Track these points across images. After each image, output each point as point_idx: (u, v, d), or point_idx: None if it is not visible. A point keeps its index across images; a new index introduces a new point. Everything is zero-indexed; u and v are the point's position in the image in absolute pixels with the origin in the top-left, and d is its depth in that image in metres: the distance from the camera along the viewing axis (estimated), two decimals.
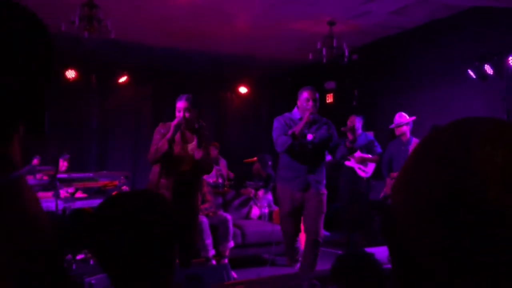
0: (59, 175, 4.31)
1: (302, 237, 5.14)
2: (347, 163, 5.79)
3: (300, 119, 3.66)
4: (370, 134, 6.06)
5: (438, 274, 0.45)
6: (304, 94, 3.66)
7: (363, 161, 5.70)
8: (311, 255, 3.67)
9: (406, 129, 5.03)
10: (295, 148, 3.60)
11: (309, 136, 3.64)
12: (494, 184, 0.41)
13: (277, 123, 3.71)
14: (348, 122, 5.89)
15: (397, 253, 0.51)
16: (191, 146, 3.50)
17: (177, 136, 3.43)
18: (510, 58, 4.56)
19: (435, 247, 0.44)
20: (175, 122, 3.38)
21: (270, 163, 5.76)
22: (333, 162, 4.69)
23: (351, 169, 5.80)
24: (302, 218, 3.77)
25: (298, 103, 3.72)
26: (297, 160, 3.64)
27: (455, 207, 0.42)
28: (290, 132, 3.55)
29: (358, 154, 5.81)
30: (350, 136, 3.65)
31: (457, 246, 0.42)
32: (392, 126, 5.13)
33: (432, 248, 0.45)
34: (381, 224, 0.54)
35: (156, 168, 3.49)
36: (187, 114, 3.43)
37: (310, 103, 3.61)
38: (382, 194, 5.45)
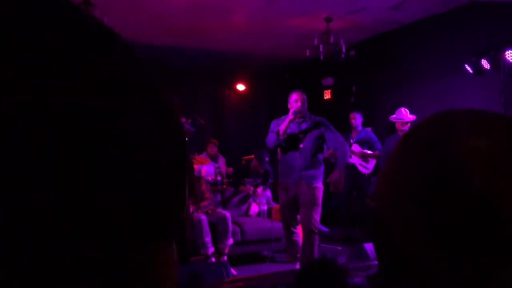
0: None
1: (301, 234, 5.17)
2: (349, 159, 5.81)
3: (300, 119, 3.95)
4: (369, 130, 6.08)
5: (425, 267, 0.44)
6: (293, 96, 3.92)
7: (364, 157, 5.73)
8: (308, 246, 3.87)
9: (407, 125, 5.06)
10: (282, 144, 3.91)
11: (298, 133, 3.91)
12: (480, 173, 0.41)
13: (272, 125, 4.01)
14: (350, 119, 5.92)
15: (383, 248, 0.51)
16: None
17: None
18: (507, 52, 4.57)
19: (421, 239, 0.44)
20: None
21: (267, 159, 5.76)
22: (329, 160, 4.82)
23: (352, 166, 5.81)
24: (300, 214, 3.98)
25: (289, 105, 3.95)
26: (290, 156, 3.92)
27: (441, 196, 0.42)
28: (275, 130, 3.89)
29: (358, 149, 5.83)
30: (326, 154, 4.05)
31: (444, 237, 0.42)
32: (392, 118, 5.14)
33: (418, 240, 0.44)
34: (372, 221, 0.54)
35: None
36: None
37: (298, 104, 3.85)
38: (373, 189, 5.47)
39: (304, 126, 3.93)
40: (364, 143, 5.84)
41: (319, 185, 3.90)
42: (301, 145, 3.88)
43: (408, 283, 0.48)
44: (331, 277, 1.72)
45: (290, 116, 3.79)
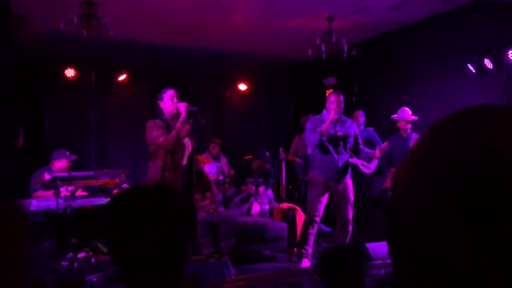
0: (60, 174, 4.31)
1: (299, 222, 5.23)
2: (350, 160, 5.80)
3: (336, 120, 4.28)
4: (371, 130, 6.07)
5: (454, 267, 0.42)
6: (331, 98, 4.27)
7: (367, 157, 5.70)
8: (345, 236, 4.35)
9: (409, 124, 5.06)
10: (325, 143, 4.24)
11: (339, 133, 4.28)
12: None
13: (310, 124, 4.31)
14: (354, 118, 5.91)
15: (401, 245, 0.48)
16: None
17: (171, 127, 3.53)
18: (510, 52, 4.55)
19: (452, 237, 0.41)
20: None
21: (267, 154, 5.76)
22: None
23: (355, 167, 5.80)
24: (335, 207, 4.39)
25: (326, 105, 4.31)
26: (330, 154, 4.27)
27: (477, 190, 0.40)
28: (317, 130, 4.18)
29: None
30: (378, 154, 4.38)
31: (478, 235, 0.40)
32: (395, 116, 5.13)
33: (448, 238, 0.41)
34: (384, 212, 0.51)
35: (157, 163, 3.51)
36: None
37: (335, 104, 4.21)
38: (378, 189, 5.46)
39: (339, 125, 4.32)
40: (366, 143, 5.83)
41: (350, 181, 4.39)
42: (341, 143, 4.29)
43: (431, 283, 0.45)
44: (351, 262, 1.74)
45: (331, 117, 4.14)
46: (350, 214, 4.36)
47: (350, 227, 4.39)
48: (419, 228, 0.45)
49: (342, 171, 4.32)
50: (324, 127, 4.16)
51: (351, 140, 4.41)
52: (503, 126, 0.42)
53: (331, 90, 4.47)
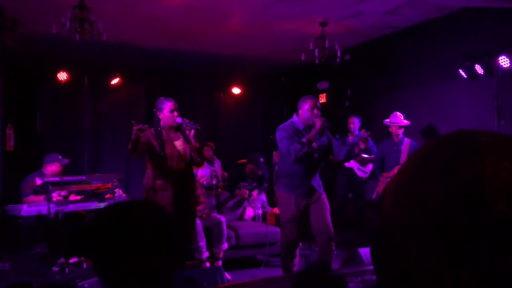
0: (52, 179, 4.28)
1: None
2: (346, 164, 5.82)
3: (309, 127, 3.75)
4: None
5: (436, 285, 0.43)
6: (307, 104, 3.74)
7: (363, 162, 5.73)
8: (329, 252, 3.78)
9: (401, 129, 5.08)
10: (314, 155, 3.73)
11: (314, 144, 3.72)
12: (502, 197, 0.40)
13: (284, 132, 3.74)
14: (349, 124, 5.92)
15: (386, 263, 0.49)
16: (179, 142, 3.60)
17: (164, 135, 3.53)
18: (500, 58, 4.60)
19: (436, 262, 0.42)
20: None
21: (262, 160, 5.77)
22: (334, 162, 4.83)
23: (350, 170, 5.82)
24: (310, 221, 3.88)
25: (300, 112, 3.79)
26: (303, 168, 3.74)
27: (460, 216, 0.41)
28: (304, 139, 3.63)
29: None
30: (362, 146, 4.01)
31: (462, 261, 0.41)
32: (387, 122, 5.16)
33: (432, 262, 0.43)
34: (373, 232, 0.52)
35: (149, 171, 3.53)
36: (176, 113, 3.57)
37: (315, 111, 3.72)
38: (375, 194, 5.48)
39: (318, 135, 3.81)
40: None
41: (324, 193, 3.90)
42: (316, 155, 3.78)
43: None
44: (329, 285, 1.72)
45: (320, 126, 3.62)
46: (330, 225, 3.80)
47: (333, 245, 3.82)
48: (404, 250, 0.46)
49: (315, 187, 3.81)
50: (311, 136, 3.64)
51: (325, 153, 3.89)
52: (491, 154, 0.43)
53: (308, 97, 3.81)
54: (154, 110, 3.65)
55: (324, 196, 3.85)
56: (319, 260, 3.89)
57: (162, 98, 3.65)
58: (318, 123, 3.64)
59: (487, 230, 0.40)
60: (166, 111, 3.56)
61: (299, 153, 3.61)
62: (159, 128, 3.58)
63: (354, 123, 5.89)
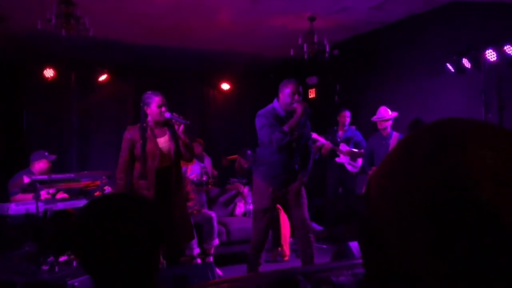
0: (39, 177, 4.23)
1: (285, 241, 5.16)
2: (337, 159, 5.85)
3: (290, 114, 3.54)
4: (354, 128, 6.14)
5: (420, 278, 0.43)
6: (288, 88, 3.54)
7: (353, 156, 5.76)
8: (310, 247, 3.67)
9: (388, 123, 5.10)
10: (294, 143, 3.54)
11: (295, 133, 3.56)
12: (487, 185, 0.40)
13: (264, 119, 3.55)
14: (340, 118, 5.93)
15: (372, 255, 0.49)
16: (163, 139, 3.52)
17: (148, 132, 3.47)
18: (487, 52, 4.64)
19: (420, 250, 0.42)
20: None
21: (249, 152, 5.76)
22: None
23: (340, 165, 5.84)
24: (290, 214, 3.81)
25: (281, 96, 3.59)
26: (283, 157, 3.57)
27: (446, 205, 0.41)
28: (286, 128, 3.45)
29: (346, 148, 5.87)
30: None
31: (446, 248, 0.41)
32: (374, 118, 5.18)
33: (416, 250, 0.42)
34: (360, 226, 0.52)
35: (136, 170, 3.49)
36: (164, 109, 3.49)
37: (296, 96, 3.52)
38: (364, 188, 5.51)
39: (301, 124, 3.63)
40: (350, 142, 5.89)
41: (304, 179, 3.74)
42: (295, 145, 3.60)
43: None
44: None
45: (301, 111, 3.42)
46: (308, 219, 3.69)
47: (312, 237, 3.69)
48: (389, 238, 0.46)
49: (292, 177, 3.65)
50: (293, 123, 3.45)
51: (304, 141, 3.72)
52: (475, 142, 0.43)
53: (289, 81, 3.59)
54: (141, 104, 3.53)
55: (302, 188, 3.70)
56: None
57: (150, 92, 3.54)
58: (299, 109, 3.44)
59: (473, 219, 0.40)
60: (154, 106, 3.47)
61: (282, 142, 3.44)
62: (144, 124, 3.51)
63: (346, 116, 5.91)
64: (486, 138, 0.44)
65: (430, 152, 0.44)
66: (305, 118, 3.64)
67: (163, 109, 3.46)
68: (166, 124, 3.53)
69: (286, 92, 3.56)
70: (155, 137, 3.49)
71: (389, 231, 0.45)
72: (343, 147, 5.85)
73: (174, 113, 3.47)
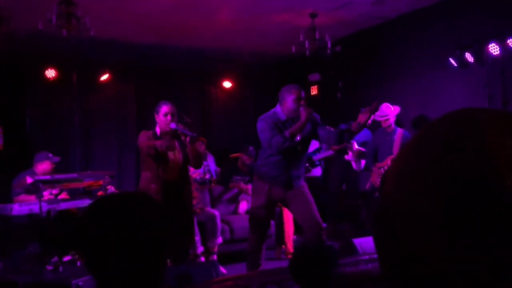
0: (42, 177, 4.24)
1: (289, 238, 5.14)
2: (346, 156, 5.80)
3: (292, 119, 3.55)
4: (366, 129, 6.05)
5: (439, 270, 0.42)
6: (293, 95, 3.52)
7: (359, 155, 5.65)
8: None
9: (391, 120, 5.07)
10: (298, 147, 3.57)
11: (298, 137, 3.55)
12: (509, 172, 0.39)
13: (265, 123, 3.56)
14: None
15: (388, 247, 0.48)
16: (176, 150, 3.62)
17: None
18: (490, 45, 4.61)
19: (439, 240, 0.41)
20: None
21: (251, 148, 5.75)
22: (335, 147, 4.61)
23: (347, 162, 5.80)
24: (297, 216, 3.79)
25: (284, 103, 3.58)
26: (284, 159, 3.58)
27: (467, 194, 0.39)
28: (287, 133, 3.45)
29: (355, 147, 5.82)
30: (363, 119, 3.48)
31: (466, 238, 0.39)
32: (377, 117, 5.14)
33: (435, 240, 0.41)
34: (373, 215, 0.50)
35: (146, 173, 3.54)
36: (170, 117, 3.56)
37: (302, 102, 3.51)
38: (368, 185, 5.48)
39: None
40: (363, 143, 5.81)
41: (304, 183, 3.78)
42: (300, 148, 3.62)
43: (415, 285, 0.45)
44: (324, 261, 1.74)
45: (305, 118, 3.42)
46: (319, 217, 3.62)
47: (324, 235, 3.64)
48: (407, 230, 0.45)
49: (294, 178, 3.63)
50: (295, 129, 3.45)
51: (309, 143, 3.74)
52: (494, 129, 0.42)
53: (292, 86, 3.57)
54: (154, 112, 3.66)
55: (305, 188, 3.69)
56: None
57: (162, 101, 3.66)
58: (304, 115, 3.42)
59: (495, 207, 0.39)
60: (161, 114, 3.56)
61: (281, 146, 3.45)
62: (153, 130, 3.62)
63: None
64: (505, 125, 0.42)
65: (448, 141, 0.43)
66: (309, 124, 3.62)
67: (169, 117, 3.51)
68: (174, 137, 3.58)
69: (290, 99, 3.54)
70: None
71: (407, 225, 0.44)
72: (354, 145, 5.79)
73: (179, 124, 3.51)
